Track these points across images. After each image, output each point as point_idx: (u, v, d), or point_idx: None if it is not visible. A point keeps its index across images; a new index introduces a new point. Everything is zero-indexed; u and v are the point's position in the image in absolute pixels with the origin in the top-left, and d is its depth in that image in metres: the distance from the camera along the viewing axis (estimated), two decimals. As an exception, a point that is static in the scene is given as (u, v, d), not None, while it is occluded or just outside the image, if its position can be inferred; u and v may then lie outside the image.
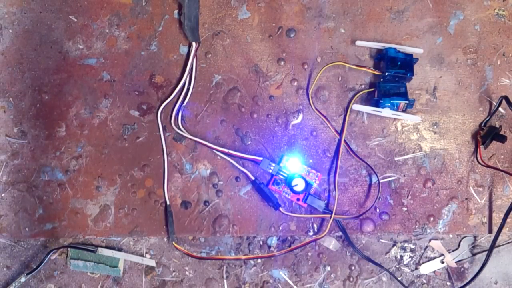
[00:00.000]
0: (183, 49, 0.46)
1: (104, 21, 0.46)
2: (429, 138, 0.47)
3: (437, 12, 0.47)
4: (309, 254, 0.46)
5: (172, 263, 0.46)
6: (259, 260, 0.46)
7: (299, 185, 0.44)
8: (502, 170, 0.46)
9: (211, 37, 0.46)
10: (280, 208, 0.45)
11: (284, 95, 0.46)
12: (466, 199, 0.46)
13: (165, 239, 0.46)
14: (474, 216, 0.46)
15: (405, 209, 0.46)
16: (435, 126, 0.47)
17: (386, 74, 0.44)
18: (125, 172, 0.46)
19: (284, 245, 0.46)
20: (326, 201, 0.46)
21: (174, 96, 0.46)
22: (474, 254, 0.47)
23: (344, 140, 0.46)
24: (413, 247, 0.46)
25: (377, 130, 0.46)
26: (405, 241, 0.46)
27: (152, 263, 0.46)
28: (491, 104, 0.47)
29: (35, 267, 0.45)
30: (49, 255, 0.45)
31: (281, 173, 0.45)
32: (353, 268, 0.46)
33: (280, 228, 0.46)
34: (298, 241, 0.46)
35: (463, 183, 0.46)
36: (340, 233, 0.46)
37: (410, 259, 0.46)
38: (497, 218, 0.46)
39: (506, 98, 0.44)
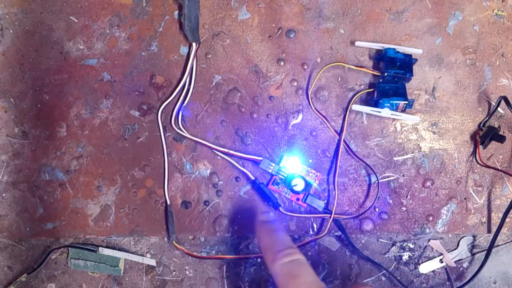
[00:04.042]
0: (184, 50, 0.46)
1: (105, 21, 0.46)
2: (428, 138, 0.47)
3: (436, 12, 0.47)
4: (309, 253, 0.46)
5: (173, 263, 0.47)
6: (259, 260, 0.46)
7: (299, 185, 0.45)
8: (501, 170, 0.46)
9: (211, 38, 0.46)
10: (280, 208, 0.45)
11: (284, 96, 0.46)
12: (465, 199, 0.46)
13: (166, 239, 0.46)
14: (473, 216, 0.46)
15: (404, 208, 0.46)
16: (434, 126, 0.47)
17: (386, 74, 0.44)
18: (125, 172, 0.46)
19: (284, 244, 0.46)
20: (325, 201, 0.46)
21: (175, 97, 0.46)
22: (473, 254, 0.47)
23: (344, 140, 0.46)
24: (412, 246, 0.47)
25: (377, 130, 0.47)
26: (404, 241, 0.47)
27: (153, 262, 0.46)
28: (490, 104, 0.47)
29: (35, 266, 0.45)
30: (50, 255, 0.46)
31: (281, 173, 0.45)
32: (352, 267, 0.46)
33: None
34: (298, 241, 0.46)
35: (462, 183, 0.46)
36: (339, 233, 0.46)
37: (409, 258, 0.47)
38: (496, 218, 0.46)
39: (505, 98, 0.44)
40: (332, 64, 0.46)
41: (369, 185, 0.46)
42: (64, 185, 0.46)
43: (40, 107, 0.46)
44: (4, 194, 0.46)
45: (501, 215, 0.45)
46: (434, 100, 0.47)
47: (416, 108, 0.47)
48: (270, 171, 0.45)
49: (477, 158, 0.46)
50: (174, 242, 0.45)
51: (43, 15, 0.46)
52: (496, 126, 0.46)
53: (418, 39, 0.47)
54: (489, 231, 0.46)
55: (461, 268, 0.47)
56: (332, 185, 0.46)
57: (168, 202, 0.46)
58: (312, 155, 0.46)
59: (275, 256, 0.32)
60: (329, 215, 0.45)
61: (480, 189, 0.47)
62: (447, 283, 0.47)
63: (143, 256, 0.46)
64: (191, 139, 0.46)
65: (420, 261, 0.47)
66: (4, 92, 0.46)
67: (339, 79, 0.47)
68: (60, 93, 0.46)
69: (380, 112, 0.44)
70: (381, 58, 0.45)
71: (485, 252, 0.45)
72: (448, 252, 0.46)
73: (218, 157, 0.46)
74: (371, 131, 0.46)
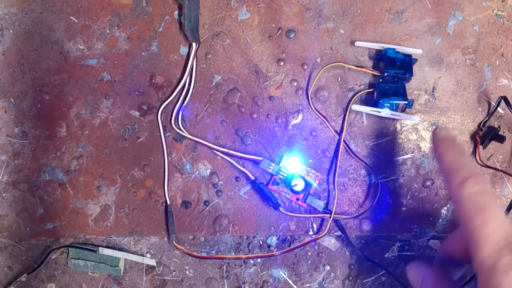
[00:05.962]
0: (183, 50, 0.46)
1: (105, 21, 0.46)
2: (428, 138, 0.47)
3: (436, 13, 0.47)
4: (309, 253, 0.46)
5: (173, 263, 0.47)
6: (259, 260, 0.46)
7: (299, 185, 0.45)
8: (500, 170, 0.46)
9: (211, 38, 0.46)
10: (280, 208, 0.45)
11: (283, 96, 0.46)
12: (465, 199, 0.46)
13: (166, 239, 0.46)
14: (473, 216, 0.46)
15: (404, 208, 0.46)
16: (434, 126, 0.47)
17: (385, 74, 0.44)
18: (125, 172, 0.46)
19: (284, 244, 0.46)
20: (325, 201, 0.46)
21: (175, 97, 0.46)
22: (473, 254, 0.47)
23: (344, 140, 0.46)
24: (412, 246, 0.47)
25: (376, 130, 0.47)
26: (404, 241, 0.47)
27: (153, 262, 0.46)
28: (489, 104, 0.47)
29: (35, 266, 0.45)
30: (50, 255, 0.46)
31: (281, 173, 0.45)
32: (352, 267, 0.46)
33: (280, 227, 0.46)
34: (297, 241, 0.46)
35: (462, 183, 0.46)
36: (339, 233, 0.46)
37: (409, 258, 0.47)
38: (496, 217, 0.46)
39: (504, 98, 0.44)
40: (332, 64, 0.46)
41: (369, 185, 0.46)
42: (64, 185, 0.46)
43: (40, 107, 0.46)
44: (4, 194, 0.46)
45: (501, 215, 0.45)
46: (434, 100, 0.47)
47: (416, 108, 0.47)
48: (270, 171, 0.45)
49: (477, 158, 0.46)
50: (174, 242, 0.45)
51: (43, 15, 0.46)
52: (496, 126, 0.46)
53: (418, 39, 0.47)
54: (489, 231, 0.46)
55: (461, 268, 0.47)
56: (332, 185, 0.46)
57: (168, 202, 0.46)
58: (312, 155, 0.46)
59: (465, 181, 0.27)
60: (329, 215, 0.45)
61: (480, 189, 0.46)
62: (447, 283, 0.47)
63: (143, 256, 0.46)
64: (191, 139, 0.46)
65: (420, 261, 0.47)
66: (4, 92, 0.46)
67: (339, 79, 0.47)
68: (60, 93, 0.46)
69: (380, 112, 0.44)
70: (381, 58, 0.45)
71: (485, 252, 0.45)
72: (448, 252, 0.46)
73: (218, 157, 0.46)
74: (371, 131, 0.47)
